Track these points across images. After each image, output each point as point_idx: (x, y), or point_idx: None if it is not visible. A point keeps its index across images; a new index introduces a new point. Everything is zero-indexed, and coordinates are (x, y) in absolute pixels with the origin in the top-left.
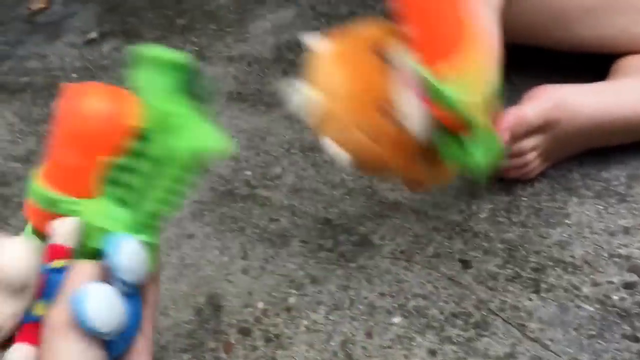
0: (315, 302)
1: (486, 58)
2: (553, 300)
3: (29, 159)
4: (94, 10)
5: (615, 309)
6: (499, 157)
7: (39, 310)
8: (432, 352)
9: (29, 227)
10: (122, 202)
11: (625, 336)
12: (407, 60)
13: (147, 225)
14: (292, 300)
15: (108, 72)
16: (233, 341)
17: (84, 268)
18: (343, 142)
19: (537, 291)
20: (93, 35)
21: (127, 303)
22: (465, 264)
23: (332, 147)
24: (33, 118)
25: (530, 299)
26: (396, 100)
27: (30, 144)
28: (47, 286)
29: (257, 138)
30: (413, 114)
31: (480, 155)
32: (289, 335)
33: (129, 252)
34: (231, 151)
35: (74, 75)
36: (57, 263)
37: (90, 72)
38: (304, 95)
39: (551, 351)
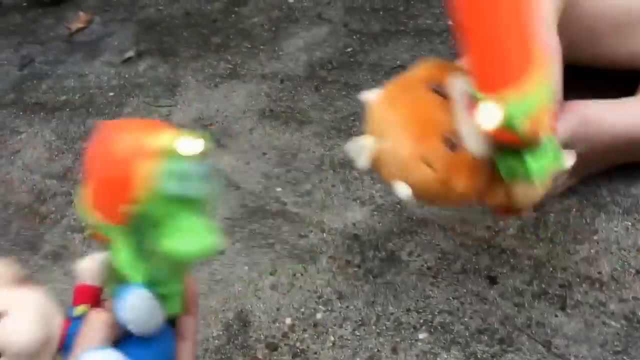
0: (342, 317)
1: (548, 75)
2: (579, 317)
3: (65, 176)
4: (131, 30)
5: None
6: (558, 167)
7: None
8: None
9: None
10: (138, 249)
11: None
12: (462, 85)
13: (157, 279)
14: (319, 315)
15: (144, 90)
16: (260, 356)
17: (94, 323)
18: (410, 178)
19: (563, 307)
20: (130, 54)
21: (148, 346)
22: (492, 280)
23: (402, 189)
24: (70, 136)
25: (556, 315)
26: (454, 125)
27: (67, 161)
28: (68, 336)
29: (289, 155)
30: (470, 133)
31: (538, 167)
32: (315, 350)
33: (134, 306)
34: (216, 252)
35: (111, 93)
36: (80, 309)
37: (126, 90)
38: (363, 145)
39: None
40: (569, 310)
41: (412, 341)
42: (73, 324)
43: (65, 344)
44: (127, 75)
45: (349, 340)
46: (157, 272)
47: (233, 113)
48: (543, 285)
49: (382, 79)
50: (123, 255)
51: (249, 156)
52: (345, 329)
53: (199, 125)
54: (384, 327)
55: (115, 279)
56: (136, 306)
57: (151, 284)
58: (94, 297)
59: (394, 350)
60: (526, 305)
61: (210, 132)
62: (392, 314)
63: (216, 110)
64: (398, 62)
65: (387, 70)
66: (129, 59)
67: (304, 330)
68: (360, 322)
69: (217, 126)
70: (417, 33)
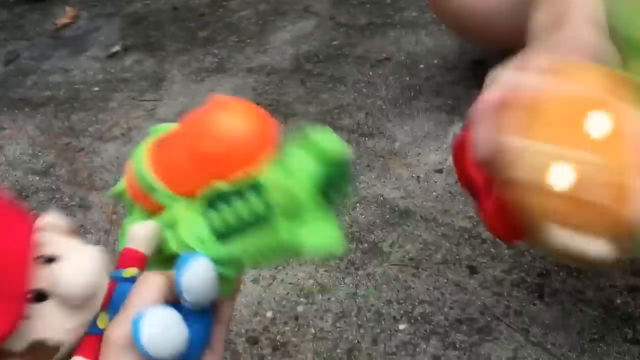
0: (323, 310)
1: None
2: (557, 305)
3: (47, 173)
4: (117, 24)
5: (618, 312)
6: None
7: (101, 323)
8: (436, 358)
9: (121, 182)
10: (212, 227)
11: (626, 339)
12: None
13: (226, 261)
14: (300, 308)
15: (129, 84)
16: (241, 350)
17: (151, 283)
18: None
19: (541, 296)
20: (116, 48)
21: (193, 321)
22: (472, 270)
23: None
24: (54, 131)
25: (534, 304)
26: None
27: (50, 157)
28: (114, 296)
29: None
30: None
31: None
32: (295, 343)
33: (196, 274)
34: (340, 252)
35: (96, 88)
36: (129, 272)
37: (112, 85)
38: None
39: (553, 355)
40: (546, 299)
41: (392, 332)
42: (121, 285)
43: (112, 304)
44: (112, 70)
45: (329, 332)
46: (229, 254)
47: None
48: (522, 274)
49: (368, 72)
50: (193, 230)
51: None
52: (326, 322)
53: None
54: (365, 319)
55: (164, 250)
56: (198, 274)
57: (216, 263)
58: (142, 263)
59: (374, 342)
60: (505, 294)
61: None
62: (372, 305)
63: (201, 104)
64: (384, 54)
65: (373, 62)
66: (115, 53)
67: (285, 323)
68: (341, 314)
69: None
70: (403, 25)
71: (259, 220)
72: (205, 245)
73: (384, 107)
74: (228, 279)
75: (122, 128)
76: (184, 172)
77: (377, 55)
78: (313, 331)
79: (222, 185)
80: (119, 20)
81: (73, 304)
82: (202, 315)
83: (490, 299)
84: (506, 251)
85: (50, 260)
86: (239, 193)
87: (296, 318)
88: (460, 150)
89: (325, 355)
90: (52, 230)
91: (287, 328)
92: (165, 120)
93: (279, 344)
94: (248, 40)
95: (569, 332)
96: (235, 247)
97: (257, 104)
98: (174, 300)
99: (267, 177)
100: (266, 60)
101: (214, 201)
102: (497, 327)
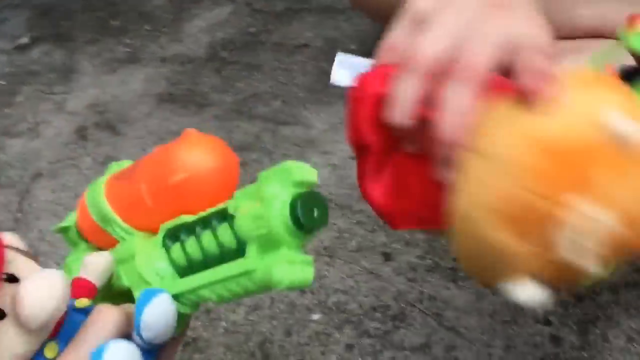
0: (235, 303)
1: None
2: (470, 288)
3: None
4: (25, 15)
5: None
6: None
7: (49, 352)
8: (349, 347)
9: (70, 217)
10: (172, 261)
11: (537, 320)
12: None
13: (185, 297)
14: (211, 302)
15: (37, 77)
16: None
17: (108, 315)
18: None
19: (454, 280)
20: (24, 40)
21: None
22: (387, 257)
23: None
24: None
25: (448, 288)
26: None
27: None
28: (65, 325)
29: None
30: None
31: None
32: (206, 338)
33: (158, 311)
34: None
35: (2, 82)
36: (81, 302)
37: (19, 78)
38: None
39: (465, 339)
40: (460, 283)
41: (306, 323)
42: (73, 315)
43: (63, 333)
44: (20, 63)
45: (241, 325)
46: (190, 290)
47: (130, 98)
48: (436, 259)
49: (285, 59)
50: (152, 264)
51: (145, 142)
52: (238, 314)
53: (94, 111)
54: (278, 310)
55: (113, 285)
56: (160, 312)
57: (175, 298)
58: (92, 294)
59: (287, 333)
60: (419, 280)
61: (105, 119)
62: (286, 296)
63: (112, 95)
64: (302, 40)
65: (291, 49)
66: (23, 45)
67: (196, 317)
68: (253, 307)
69: (113, 112)
70: (320, 11)
71: (226, 254)
72: (164, 281)
73: (300, 94)
74: (182, 318)
75: (29, 123)
76: (143, 206)
77: (294, 42)
78: (225, 325)
79: (186, 217)
80: (26, 10)
81: (29, 328)
82: (150, 354)
83: (404, 285)
84: (420, 237)
85: (12, 280)
86: (205, 224)
87: (208, 312)
88: (360, 96)
89: (236, 349)
90: (12, 250)
91: (199, 323)
92: (75, 113)
93: (189, 339)
94: (162, 29)
95: (481, 315)
96: (198, 283)
97: (171, 94)
98: (127, 336)
99: (237, 206)
100: (181, 49)
101: (176, 234)
102: (411, 313)
